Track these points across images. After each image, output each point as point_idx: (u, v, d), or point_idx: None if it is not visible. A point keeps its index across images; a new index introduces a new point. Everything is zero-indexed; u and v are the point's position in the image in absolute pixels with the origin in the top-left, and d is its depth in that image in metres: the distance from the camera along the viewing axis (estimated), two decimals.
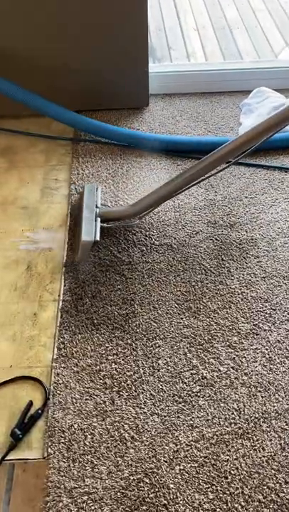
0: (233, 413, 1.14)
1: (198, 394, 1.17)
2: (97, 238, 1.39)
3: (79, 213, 1.51)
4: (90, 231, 1.39)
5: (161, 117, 1.96)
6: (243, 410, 1.14)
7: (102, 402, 1.15)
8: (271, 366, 1.22)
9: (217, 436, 1.10)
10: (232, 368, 1.22)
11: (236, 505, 1.01)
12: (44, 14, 1.66)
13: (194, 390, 1.18)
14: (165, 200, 1.44)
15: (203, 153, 1.73)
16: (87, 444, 1.09)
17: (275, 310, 1.33)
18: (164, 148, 1.79)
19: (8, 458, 1.08)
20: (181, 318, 1.31)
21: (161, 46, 2.63)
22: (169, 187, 1.39)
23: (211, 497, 1.02)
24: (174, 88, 2.07)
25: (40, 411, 1.14)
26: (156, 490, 1.03)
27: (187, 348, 1.25)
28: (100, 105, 1.95)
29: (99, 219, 1.44)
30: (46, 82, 1.79)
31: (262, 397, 1.16)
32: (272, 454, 1.08)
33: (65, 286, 1.39)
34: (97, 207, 1.49)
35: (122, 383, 1.19)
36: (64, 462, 1.06)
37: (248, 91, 2.01)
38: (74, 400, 1.16)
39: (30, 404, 1.15)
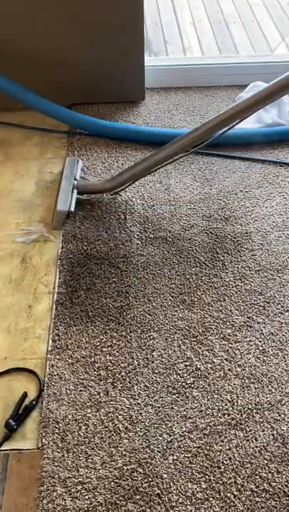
0: (226, 404, 1.15)
1: (192, 385, 1.18)
2: (72, 209, 1.46)
3: (59, 184, 1.58)
4: (66, 201, 1.47)
5: (157, 111, 1.96)
6: (237, 401, 1.15)
7: (96, 393, 1.16)
8: (264, 358, 1.23)
9: (210, 426, 1.11)
10: (226, 359, 1.22)
11: (229, 495, 1.02)
12: (40, 8, 1.65)
13: (188, 382, 1.18)
14: (141, 177, 1.48)
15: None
16: (82, 434, 1.10)
17: (268, 303, 1.34)
18: (160, 141, 1.79)
19: (2, 448, 1.08)
20: (176, 311, 1.32)
21: (158, 40, 2.62)
22: (147, 163, 1.40)
23: (203, 486, 1.03)
24: (170, 82, 2.07)
25: (34, 402, 1.14)
26: (150, 480, 1.03)
27: (181, 340, 1.26)
28: (95, 98, 1.95)
29: (76, 191, 1.52)
30: (42, 76, 1.78)
31: (255, 388, 1.17)
32: (265, 444, 1.09)
33: (59, 278, 1.39)
34: (75, 179, 1.55)
35: (117, 375, 1.19)
36: (58, 452, 1.07)
37: (244, 85, 2.01)
38: (68, 391, 1.16)
39: (25, 395, 1.16)
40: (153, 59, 2.32)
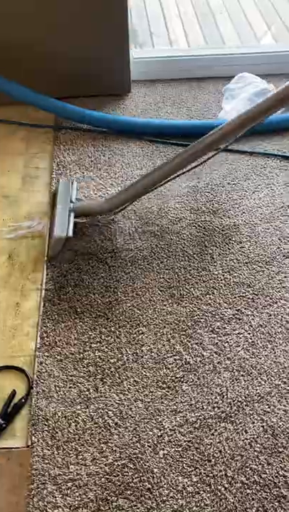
0: (216, 397, 1.15)
1: (182, 379, 1.17)
2: (70, 234, 1.35)
3: (53, 208, 1.48)
4: (63, 227, 1.36)
5: (143, 104, 1.94)
6: (226, 394, 1.15)
7: (85, 389, 1.15)
8: (254, 350, 1.23)
9: (200, 420, 1.11)
10: (215, 352, 1.22)
11: (220, 487, 1.02)
12: (22, 2, 1.62)
13: (178, 376, 1.18)
14: (141, 196, 1.42)
15: (188, 137, 1.76)
16: (71, 431, 1.09)
17: (257, 295, 1.34)
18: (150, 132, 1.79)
19: None
20: (165, 305, 1.31)
21: (143, 32, 2.59)
22: (146, 181, 1.37)
23: (194, 480, 1.03)
24: (156, 74, 2.06)
25: (23, 400, 1.13)
26: (141, 475, 1.03)
27: (170, 334, 1.26)
28: (81, 92, 1.93)
29: (73, 214, 1.42)
30: (26, 70, 1.76)
31: (245, 380, 1.17)
32: (255, 436, 1.09)
33: (47, 275, 1.38)
34: (71, 201, 1.45)
35: (106, 370, 1.19)
36: (48, 450, 1.06)
37: (230, 77, 1.99)
38: (57, 388, 1.15)
39: (14, 393, 1.15)
40: (139, 51, 2.30)
